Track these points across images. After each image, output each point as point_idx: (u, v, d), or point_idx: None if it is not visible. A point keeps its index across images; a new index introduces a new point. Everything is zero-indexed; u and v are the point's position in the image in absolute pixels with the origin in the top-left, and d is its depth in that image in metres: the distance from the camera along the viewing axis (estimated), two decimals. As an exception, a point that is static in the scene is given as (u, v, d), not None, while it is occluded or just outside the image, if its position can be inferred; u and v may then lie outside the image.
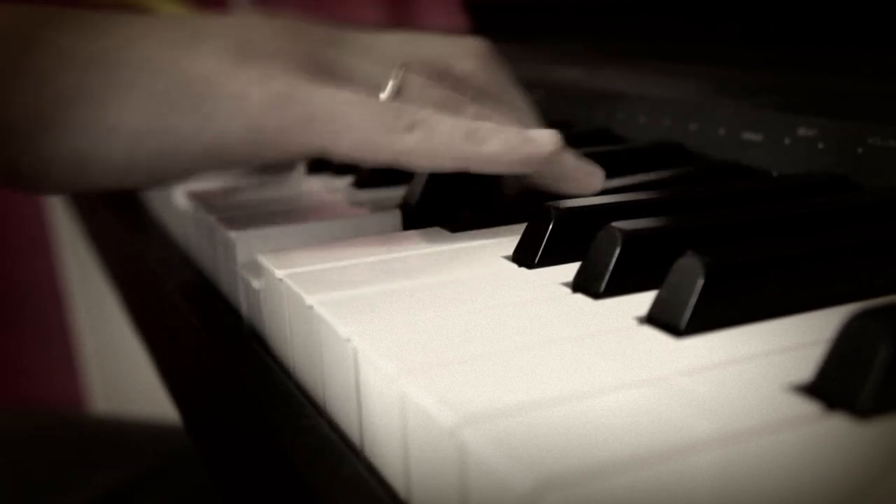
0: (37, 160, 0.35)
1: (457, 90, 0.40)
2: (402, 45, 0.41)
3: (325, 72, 0.37)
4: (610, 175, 0.42)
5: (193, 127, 0.35)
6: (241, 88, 0.35)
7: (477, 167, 0.36)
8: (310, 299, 0.30)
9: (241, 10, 1.65)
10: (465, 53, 0.42)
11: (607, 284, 0.29)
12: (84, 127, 0.35)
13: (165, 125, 0.35)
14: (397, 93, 0.38)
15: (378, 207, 0.43)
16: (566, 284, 0.31)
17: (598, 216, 0.33)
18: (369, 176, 0.47)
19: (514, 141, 0.36)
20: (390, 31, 0.43)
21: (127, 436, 0.73)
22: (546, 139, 0.36)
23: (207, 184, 0.50)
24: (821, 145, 0.40)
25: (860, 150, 0.38)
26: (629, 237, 0.30)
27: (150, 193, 0.57)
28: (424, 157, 0.35)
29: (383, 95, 0.38)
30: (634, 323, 0.27)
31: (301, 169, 0.55)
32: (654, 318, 0.27)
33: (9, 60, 0.35)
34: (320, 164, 0.55)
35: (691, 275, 0.26)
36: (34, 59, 0.35)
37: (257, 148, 0.35)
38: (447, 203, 0.40)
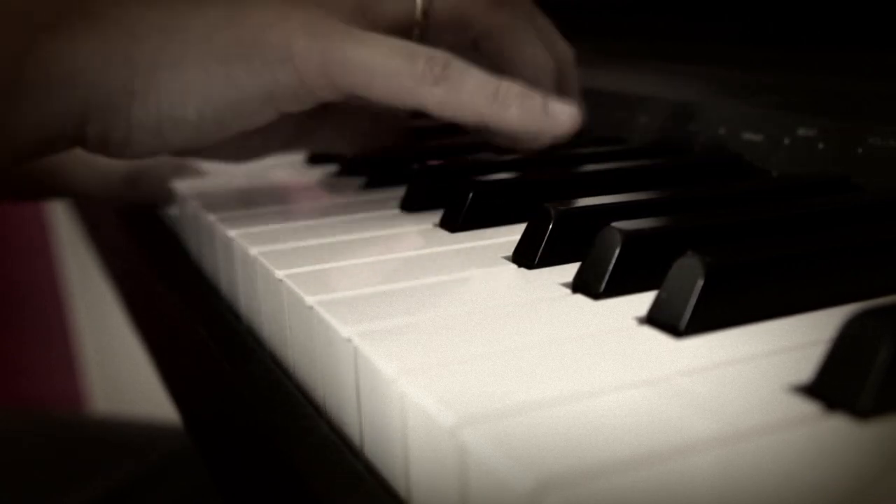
0: (125, 128, 0.38)
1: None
2: None
3: (364, 14, 0.40)
4: (611, 175, 0.42)
5: (248, 78, 0.38)
6: (285, 38, 0.38)
7: (494, 127, 0.39)
8: (310, 299, 0.30)
9: None
10: None
11: (607, 285, 0.29)
12: (164, 92, 0.38)
13: (226, 80, 0.38)
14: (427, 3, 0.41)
15: (378, 207, 0.43)
16: (566, 285, 0.31)
17: (598, 216, 0.33)
18: (370, 176, 0.48)
19: (534, 111, 0.38)
20: None
21: (127, 436, 0.74)
22: (565, 117, 0.38)
23: (206, 181, 0.50)
24: (821, 145, 0.40)
25: (860, 150, 0.38)
26: (629, 237, 0.30)
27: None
28: (448, 110, 0.38)
29: (418, 11, 0.41)
30: (634, 323, 0.27)
31: (301, 163, 0.55)
32: (654, 319, 0.27)
33: (99, 40, 0.37)
34: (320, 156, 0.55)
35: (691, 275, 0.26)
36: (122, 35, 0.37)
37: (303, 93, 0.38)
38: (447, 203, 0.40)
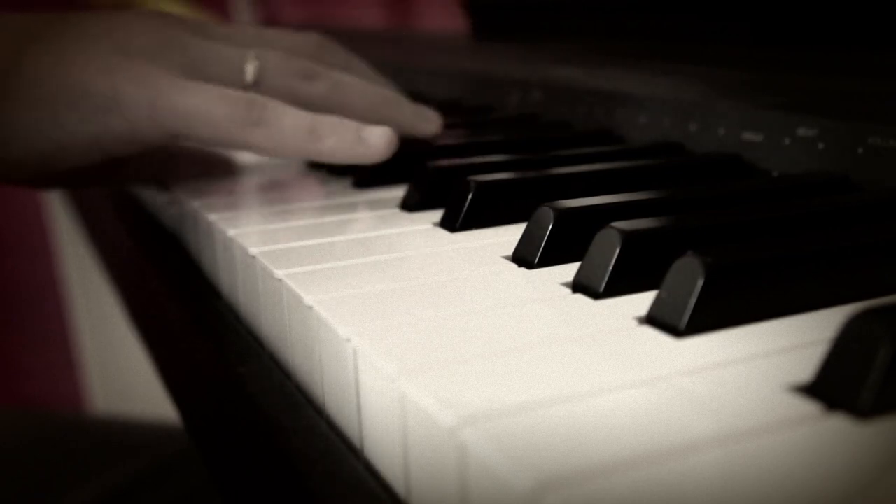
0: None
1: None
2: (255, 37, 0.47)
3: (192, 62, 0.43)
4: (611, 176, 0.42)
5: (75, 124, 0.40)
6: (116, 88, 0.40)
7: (316, 159, 0.43)
8: (309, 299, 0.30)
9: (242, 9, 1.65)
10: (305, 42, 0.48)
11: (607, 284, 0.29)
12: None
13: (52, 125, 0.40)
14: (258, 73, 0.44)
15: (378, 207, 0.43)
16: (566, 284, 0.31)
17: (598, 216, 0.33)
18: (369, 176, 0.47)
19: (348, 140, 0.42)
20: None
21: (127, 436, 0.74)
22: (377, 140, 0.42)
23: (205, 181, 0.50)
24: (821, 145, 0.40)
25: (860, 150, 0.38)
26: (629, 237, 0.30)
27: (151, 191, 0.57)
28: (270, 149, 0.42)
29: (248, 78, 0.43)
30: (634, 323, 0.27)
31: (301, 163, 0.55)
32: (654, 319, 0.27)
33: None
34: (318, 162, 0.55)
35: (691, 275, 0.26)
36: None
37: (132, 138, 0.41)
38: (447, 202, 0.40)
